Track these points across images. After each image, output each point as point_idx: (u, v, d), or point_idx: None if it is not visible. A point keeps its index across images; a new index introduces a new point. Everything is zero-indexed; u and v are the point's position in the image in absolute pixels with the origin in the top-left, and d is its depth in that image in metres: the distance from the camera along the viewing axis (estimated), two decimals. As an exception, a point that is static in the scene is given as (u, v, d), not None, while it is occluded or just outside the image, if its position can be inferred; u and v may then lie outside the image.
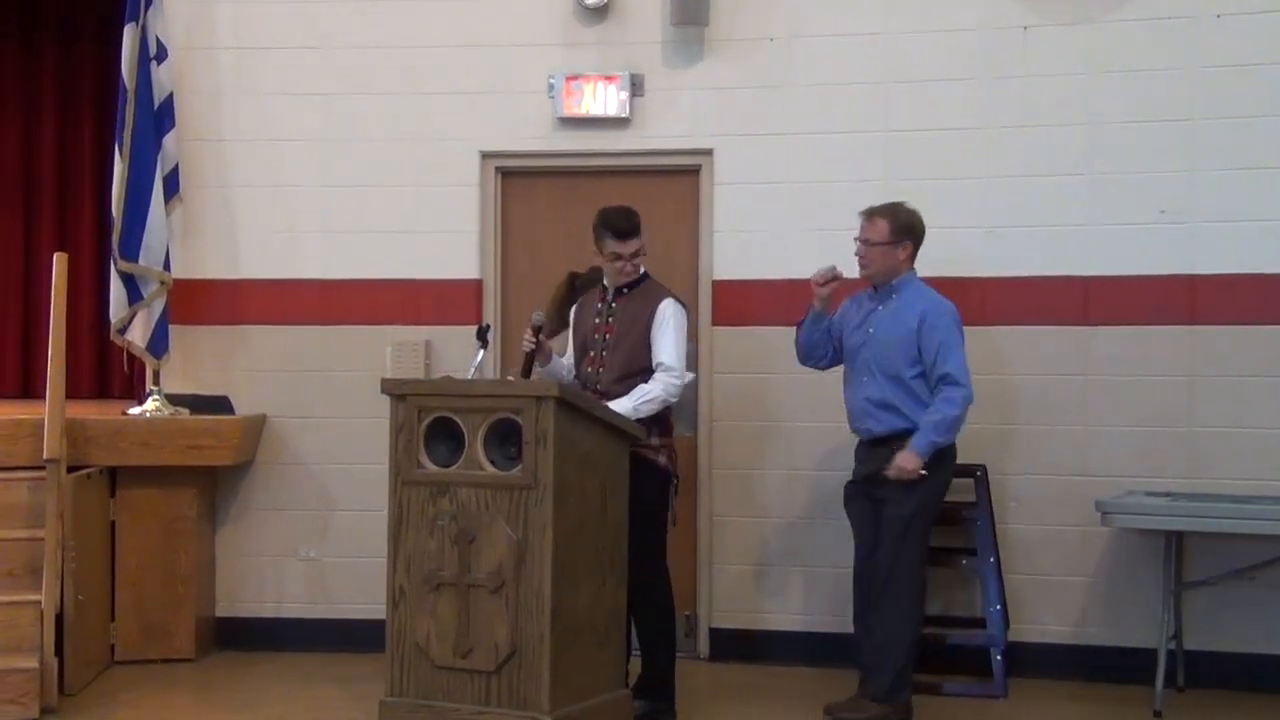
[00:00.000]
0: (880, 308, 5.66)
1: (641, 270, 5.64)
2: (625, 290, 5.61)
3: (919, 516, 5.53)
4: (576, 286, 6.07)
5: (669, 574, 5.62)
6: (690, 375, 6.07)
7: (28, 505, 6.15)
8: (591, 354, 5.61)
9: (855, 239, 5.69)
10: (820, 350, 5.78)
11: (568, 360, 5.76)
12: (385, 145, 6.92)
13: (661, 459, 5.55)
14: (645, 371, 5.50)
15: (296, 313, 6.95)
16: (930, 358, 5.52)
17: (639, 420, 5.38)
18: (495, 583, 4.90)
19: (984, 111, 6.51)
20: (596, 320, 5.63)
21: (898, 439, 5.52)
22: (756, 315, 6.68)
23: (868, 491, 5.64)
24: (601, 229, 5.57)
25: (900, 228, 5.65)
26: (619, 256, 5.54)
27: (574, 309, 5.78)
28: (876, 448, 5.60)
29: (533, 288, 6.82)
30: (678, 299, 5.65)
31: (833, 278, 5.61)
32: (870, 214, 5.71)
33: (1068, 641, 6.40)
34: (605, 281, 5.66)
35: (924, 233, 5.73)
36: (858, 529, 5.73)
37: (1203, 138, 6.29)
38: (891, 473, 5.48)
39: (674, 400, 5.54)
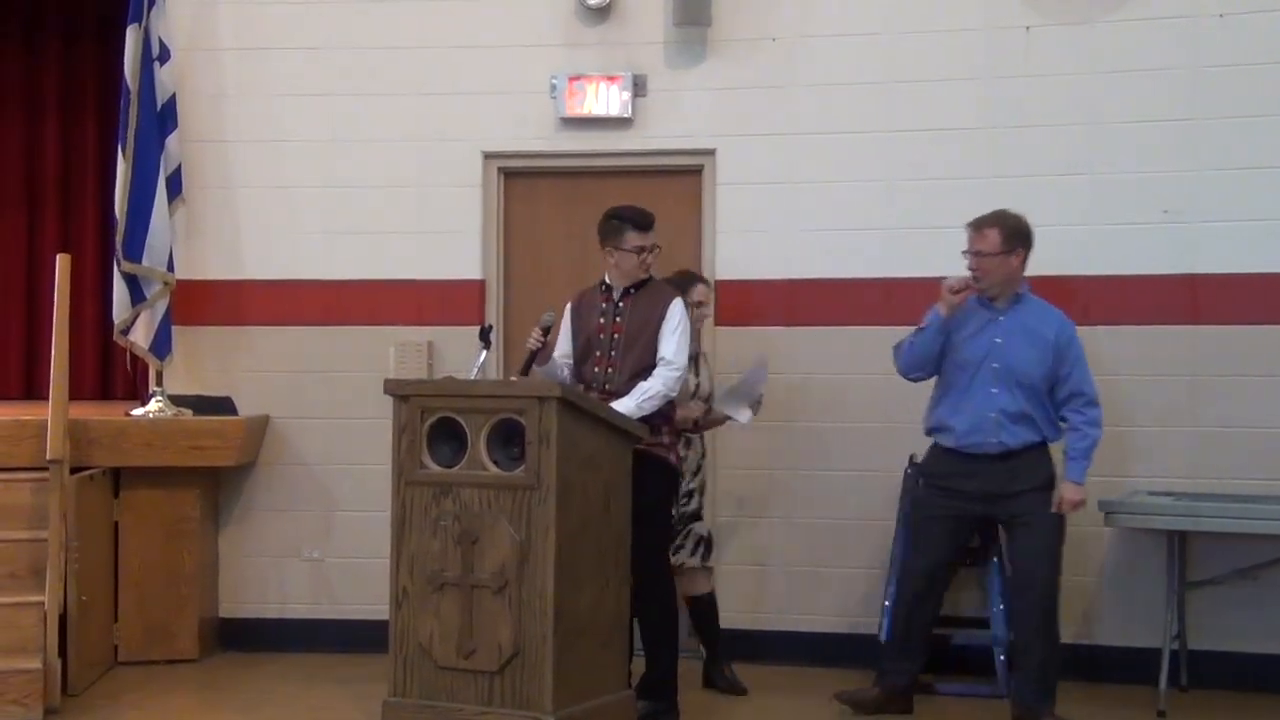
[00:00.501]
0: (1003, 317, 5.54)
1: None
2: (632, 290, 5.61)
3: (1059, 531, 5.55)
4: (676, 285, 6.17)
5: (672, 572, 5.62)
6: (759, 357, 6.15)
7: (31, 506, 6.15)
8: (598, 354, 5.59)
9: (964, 252, 5.56)
10: (934, 360, 5.63)
11: (562, 357, 5.74)
12: (388, 146, 6.93)
13: (671, 456, 5.56)
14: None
15: (299, 313, 6.95)
16: (1065, 372, 5.49)
17: (647, 418, 5.38)
18: (498, 583, 4.90)
19: (986, 111, 6.52)
20: (602, 320, 5.61)
21: (1026, 452, 5.50)
22: (759, 315, 6.68)
23: (980, 509, 5.56)
24: (620, 224, 5.56)
25: (1011, 234, 5.51)
26: (643, 249, 5.55)
27: (573, 307, 5.76)
28: (998, 462, 5.49)
29: (535, 288, 6.83)
30: (684, 297, 5.67)
31: (965, 286, 5.47)
32: (978, 225, 5.56)
33: (1071, 641, 6.36)
34: (608, 280, 5.65)
35: (1033, 235, 5.59)
36: (931, 540, 5.65)
37: (1205, 137, 6.29)
38: (1066, 509, 5.50)
39: (674, 395, 5.55)
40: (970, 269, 5.55)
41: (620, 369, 5.51)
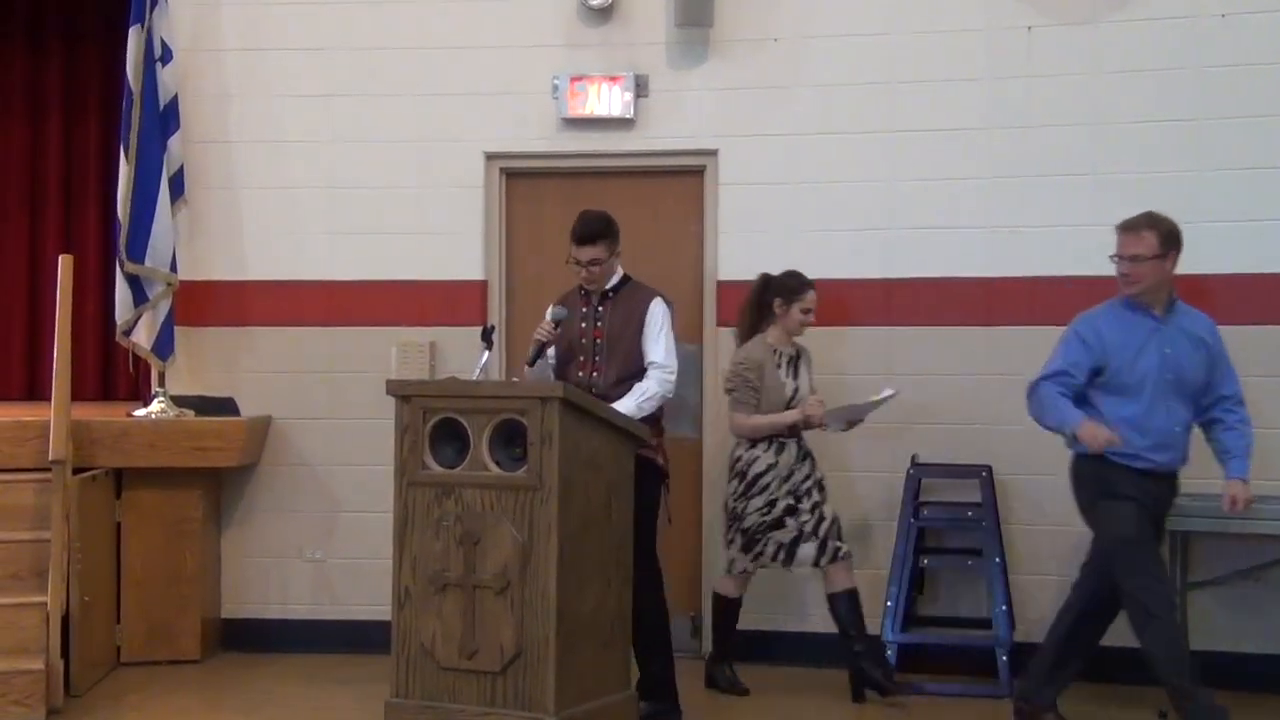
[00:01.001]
0: (1163, 326, 5.28)
1: (619, 275, 5.65)
2: (610, 294, 5.62)
3: None
4: (771, 288, 6.16)
5: (662, 574, 5.60)
6: (889, 391, 6.03)
7: (33, 507, 6.16)
8: (581, 358, 5.59)
9: (1115, 256, 5.28)
10: None
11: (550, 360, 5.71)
12: (390, 146, 6.93)
13: (659, 458, 5.56)
14: (642, 373, 5.52)
15: (302, 314, 6.96)
16: (1218, 376, 5.32)
17: (641, 420, 5.38)
18: (500, 584, 4.90)
19: (988, 112, 6.52)
20: (583, 324, 5.61)
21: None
22: (761, 316, 6.68)
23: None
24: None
25: (1166, 237, 5.24)
26: (576, 261, 5.56)
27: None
28: (1171, 480, 5.36)
29: (538, 288, 6.83)
30: (663, 296, 5.66)
31: (1110, 441, 5.11)
32: (1133, 227, 5.26)
33: (1073, 642, 6.40)
34: (583, 284, 5.65)
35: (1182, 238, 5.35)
36: (1159, 560, 5.39)
37: (1208, 137, 6.29)
38: (1241, 508, 5.31)
39: (669, 397, 5.56)
40: (1123, 274, 5.27)
41: (605, 373, 5.52)
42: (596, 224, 5.56)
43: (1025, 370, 6.39)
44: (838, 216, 6.63)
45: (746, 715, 5.94)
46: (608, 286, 5.63)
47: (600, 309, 5.62)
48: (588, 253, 5.54)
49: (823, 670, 6.39)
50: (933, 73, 6.56)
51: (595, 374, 5.55)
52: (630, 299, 5.60)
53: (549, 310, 5.62)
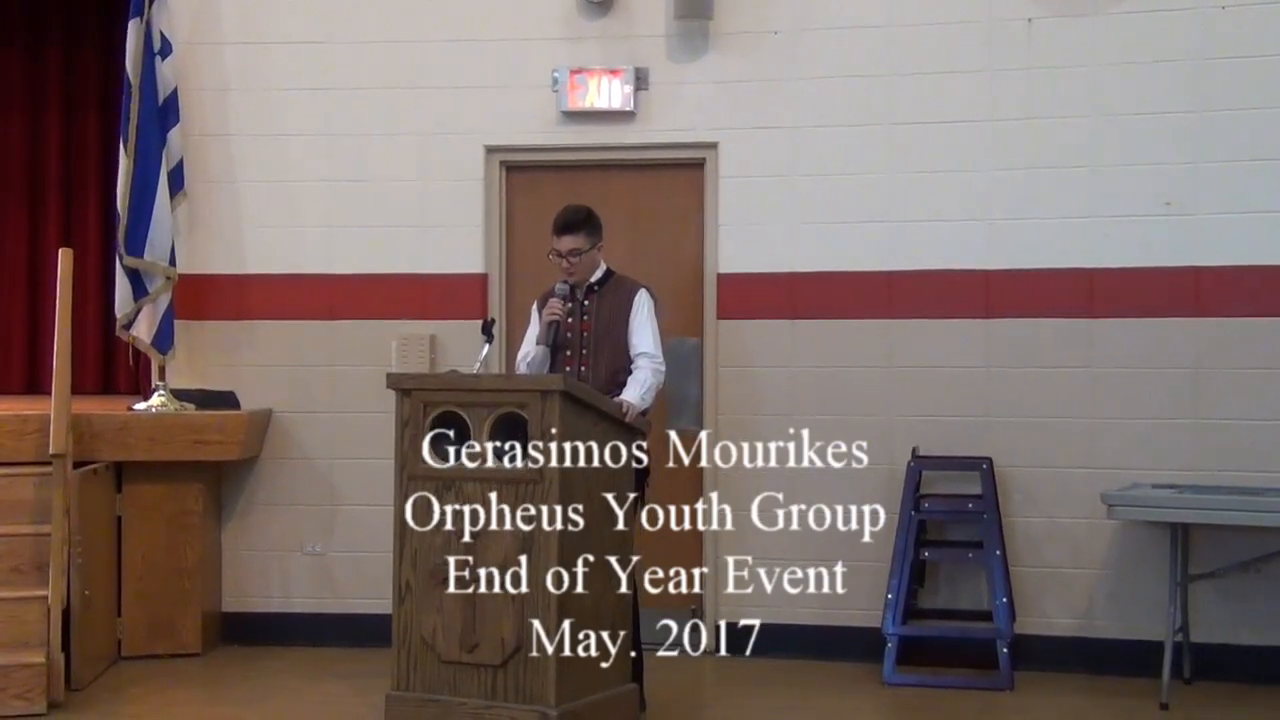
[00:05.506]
0: None
1: (603, 269, 5.64)
2: (596, 287, 5.61)
3: None
4: None
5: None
6: None
7: (34, 501, 6.16)
8: (568, 353, 5.57)
9: None
10: None
11: (537, 350, 5.65)
12: (390, 140, 6.93)
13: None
14: (630, 366, 5.51)
15: (302, 308, 6.96)
16: None
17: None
18: (501, 577, 4.90)
19: (988, 104, 6.51)
20: (569, 319, 5.59)
21: None
22: (760, 308, 6.68)
23: None
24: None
25: None
26: (556, 253, 5.55)
27: (539, 305, 5.71)
28: None
29: (537, 282, 6.81)
30: (649, 289, 5.65)
31: None
32: None
33: (1074, 634, 6.40)
34: (564, 276, 5.63)
35: None
36: None
37: (1208, 129, 6.28)
38: None
39: (661, 387, 5.57)
40: None
41: (595, 366, 5.50)
42: (576, 214, 5.58)
43: (1024, 363, 6.43)
44: (838, 208, 6.63)
45: (751, 712, 5.93)
46: (592, 280, 5.61)
47: (586, 303, 5.61)
48: (567, 243, 5.54)
49: (823, 664, 6.38)
50: (933, 65, 6.56)
51: (584, 368, 5.53)
52: (616, 291, 5.60)
53: (555, 287, 5.60)
